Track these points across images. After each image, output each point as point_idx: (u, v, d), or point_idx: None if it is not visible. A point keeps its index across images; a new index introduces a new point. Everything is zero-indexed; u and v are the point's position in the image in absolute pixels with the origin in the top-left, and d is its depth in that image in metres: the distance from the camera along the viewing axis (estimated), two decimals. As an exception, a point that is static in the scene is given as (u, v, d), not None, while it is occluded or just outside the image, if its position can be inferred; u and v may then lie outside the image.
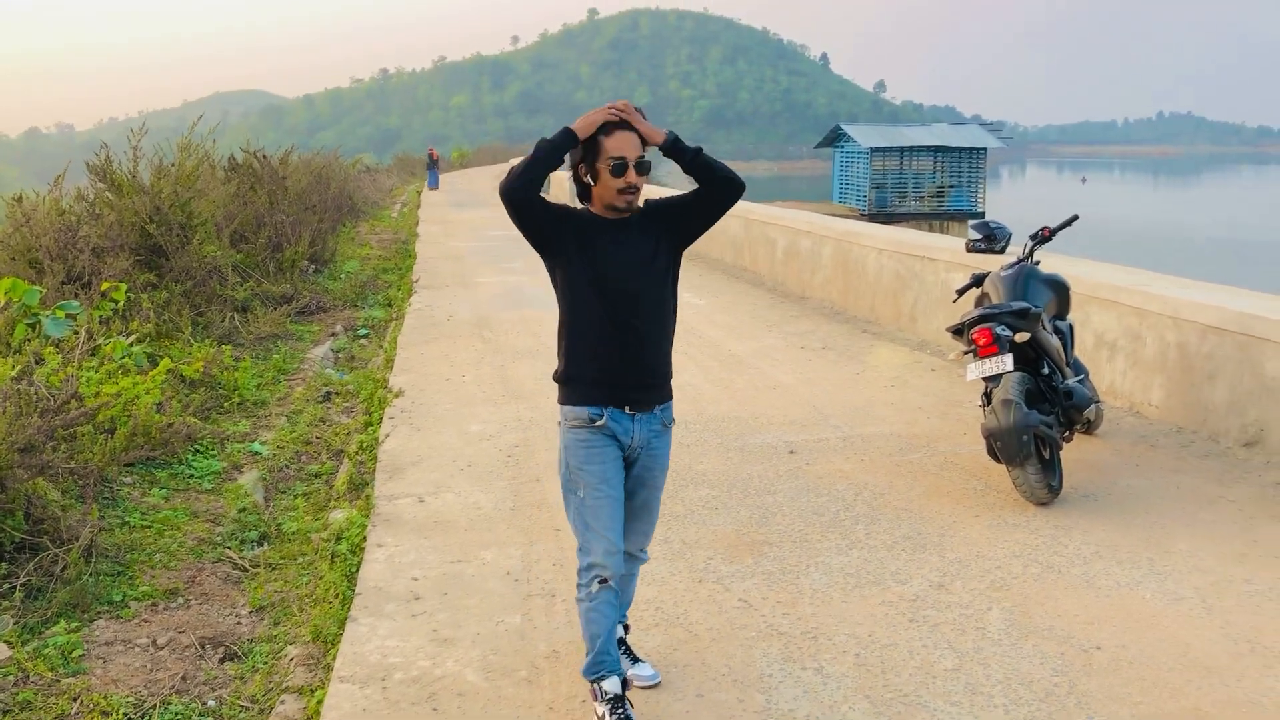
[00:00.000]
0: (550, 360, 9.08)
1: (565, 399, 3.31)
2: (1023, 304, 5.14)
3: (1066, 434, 5.38)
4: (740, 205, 16.16)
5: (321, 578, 4.58)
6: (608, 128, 3.14)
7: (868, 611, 4.02)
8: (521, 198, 3.12)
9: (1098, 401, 5.87)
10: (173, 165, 11.30)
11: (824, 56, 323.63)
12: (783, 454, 6.01)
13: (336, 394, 8.34)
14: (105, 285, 8.10)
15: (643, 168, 3.15)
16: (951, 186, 40.76)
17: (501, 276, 14.31)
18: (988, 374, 5.05)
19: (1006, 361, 4.97)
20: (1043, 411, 5.08)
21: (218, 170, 14.79)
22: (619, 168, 3.11)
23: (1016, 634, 3.81)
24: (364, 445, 6.54)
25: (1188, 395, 6.19)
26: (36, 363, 6.31)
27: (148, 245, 9.80)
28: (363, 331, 11.37)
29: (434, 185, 40.46)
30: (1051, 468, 5.08)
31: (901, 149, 40.46)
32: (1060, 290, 5.78)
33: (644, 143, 3.16)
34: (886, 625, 3.90)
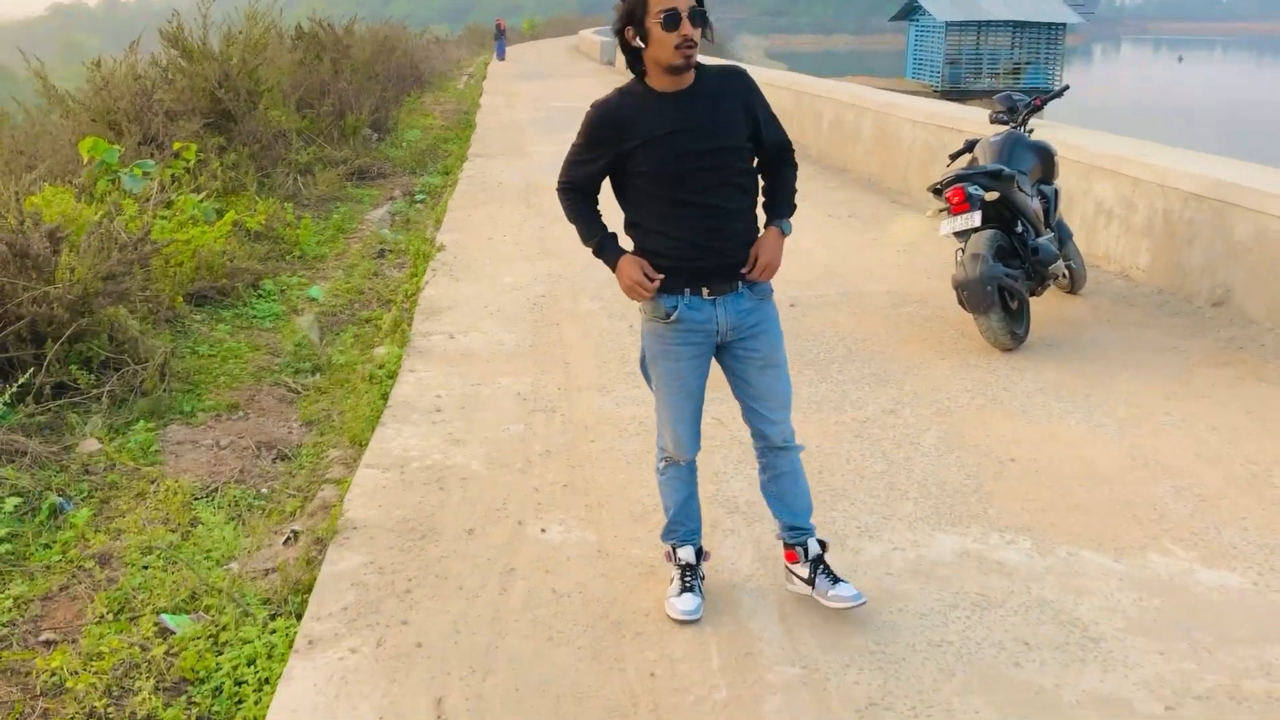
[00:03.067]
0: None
1: None
2: (996, 166, 5.56)
3: (1037, 288, 5.83)
4: (792, 78, 16.40)
5: (361, 396, 5.29)
6: None
7: (822, 430, 4.63)
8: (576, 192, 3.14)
9: (1070, 261, 6.28)
10: (240, 33, 11.89)
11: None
12: (784, 307, 6.45)
13: (390, 251, 9.01)
14: (177, 145, 8.80)
15: (697, 18, 2.84)
16: (1028, 63, 39.83)
17: (556, 146, 14.74)
18: (958, 229, 5.51)
19: (975, 218, 5.43)
20: (1012, 267, 5.54)
21: (285, 39, 15.37)
22: (670, 19, 2.81)
23: (944, 449, 4.40)
24: (408, 293, 7.22)
25: (1169, 259, 6.58)
26: (115, 212, 7.05)
27: (217, 110, 10.45)
28: (419, 196, 11.98)
29: (501, 57, 40.59)
30: (1018, 318, 5.57)
31: (978, 23, 39.51)
32: (1045, 156, 6.16)
33: None
34: (834, 439, 4.52)
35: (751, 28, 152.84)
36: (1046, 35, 39.42)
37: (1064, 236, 6.26)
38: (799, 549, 3.24)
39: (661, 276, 3.01)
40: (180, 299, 6.49)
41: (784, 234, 3.10)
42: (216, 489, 4.50)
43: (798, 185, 3.21)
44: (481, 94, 24.57)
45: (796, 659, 3.00)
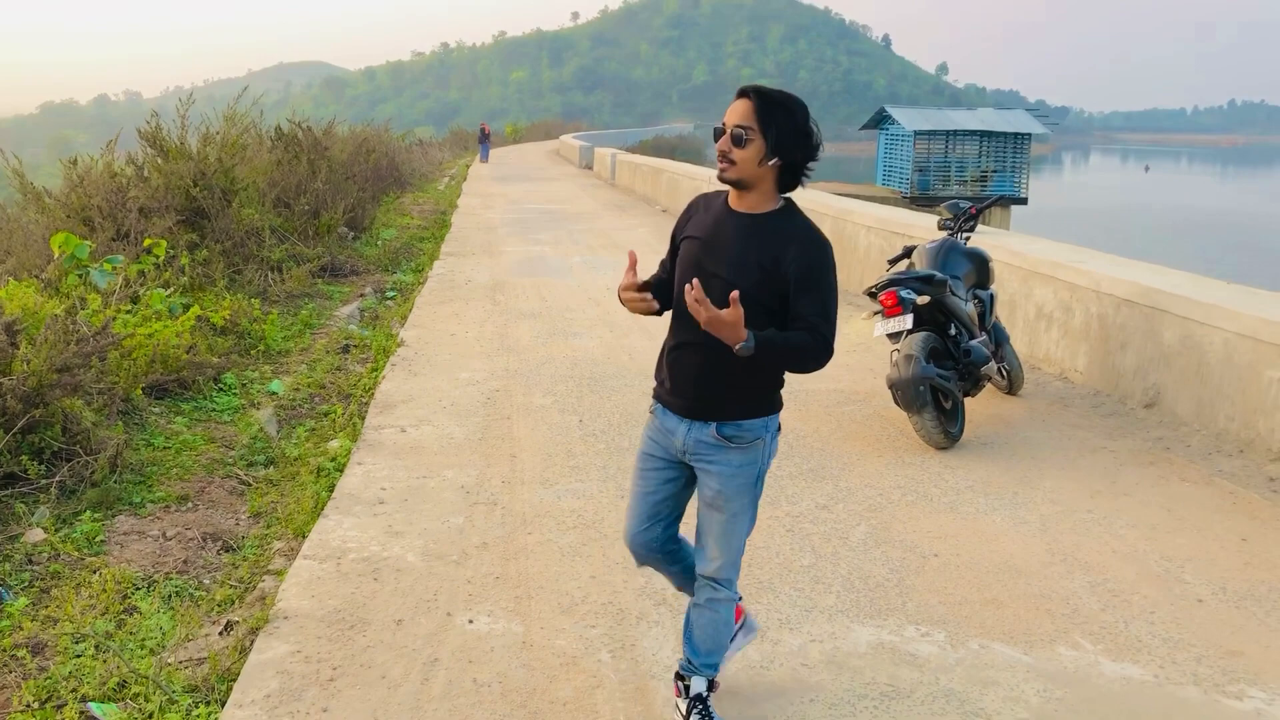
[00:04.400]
0: (553, 321, 9.81)
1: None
2: (929, 271, 5.80)
3: (971, 389, 6.02)
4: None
5: (306, 488, 5.38)
6: (736, 94, 2.94)
7: (756, 525, 4.72)
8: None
9: (1006, 362, 6.49)
10: (218, 134, 12.21)
11: (886, 38, 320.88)
12: (732, 404, 6.70)
13: (355, 347, 9.15)
14: (148, 241, 8.99)
15: (737, 139, 2.83)
16: (995, 171, 40.87)
17: (527, 247, 15.07)
18: (890, 331, 5.72)
19: (907, 321, 5.63)
20: (945, 368, 5.73)
21: (265, 140, 15.74)
22: (716, 132, 2.90)
23: (872, 543, 4.51)
24: (366, 388, 7.35)
25: (1105, 362, 6.80)
26: (80, 306, 7.19)
27: (192, 207, 10.67)
28: (390, 294, 12.18)
29: (485, 159, 41.62)
30: (952, 417, 5.74)
31: (946, 133, 40.62)
32: (980, 262, 6.41)
33: (760, 118, 2.84)
34: (767, 534, 4.62)
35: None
36: (1012, 145, 40.54)
37: (1000, 339, 6.48)
38: (681, 683, 3.15)
39: (648, 298, 2.97)
40: (139, 391, 6.59)
41: (747, 342, 2.74)
42: (157, 579, 4.56)
43: (796, 364, 2.92)
44: (460, 195, 25.03)
45: (706, 748, 3.07)
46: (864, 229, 10.95)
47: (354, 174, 17.87)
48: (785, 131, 2.84)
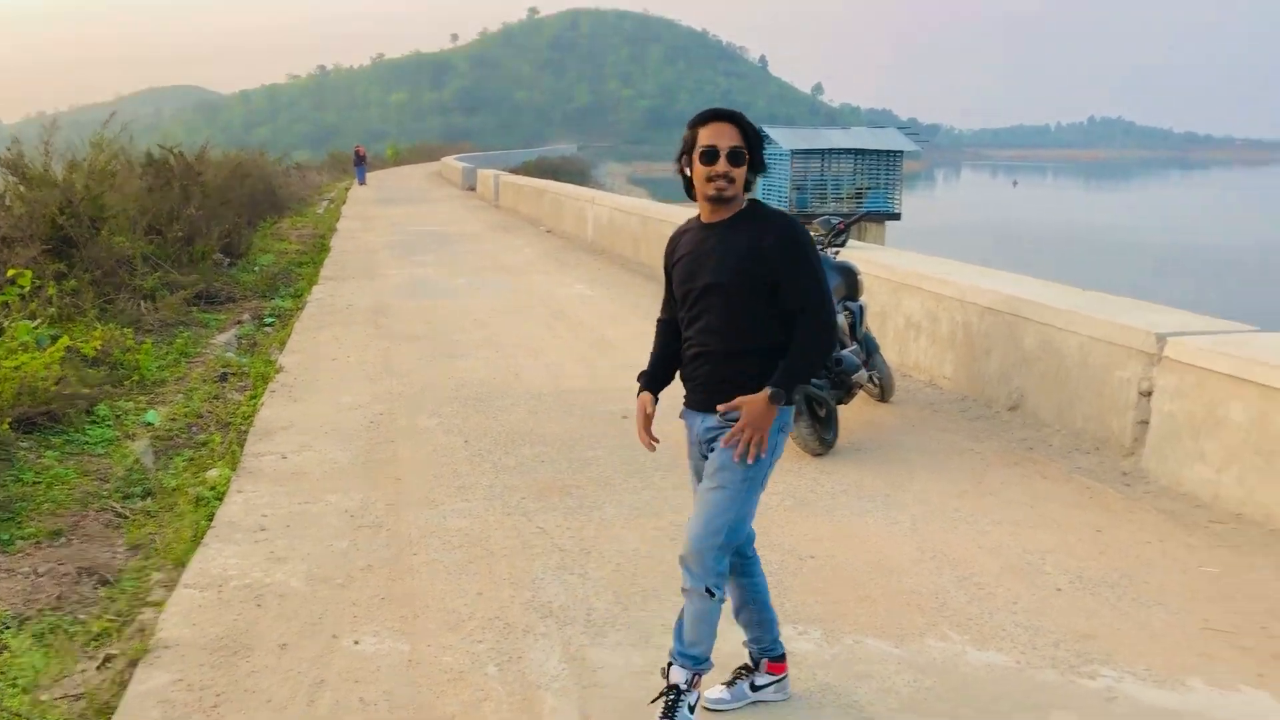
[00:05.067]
0: (438, 343, 9.77)
1: None
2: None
3: (844, 397, 6.24)
4: (639, 204, 17.01)
5: (185, 518, 5.29)
6: (704, 118, 3.16)
7: (640, 534, 4.84)
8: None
9: (876, 371, 6.75)
10: (85, 160, 11.86)
11: (763, 59, 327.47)
12: (618, 419, 6.82)
13: (233, 374, 8.98)
14: (11, 272, 8.69)
15: (736, 157, 3.07)
16: (870, 188, 42.03)
17: (410, 269, 14.97)
18: (765, 343, 5.89)
19: (781, 332, 5.82)
20: (818, 377, 5.93)
21: (135, 166, 15.31)
22: (709, 154, 3.07)
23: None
24: (245, 415, 7.24)
25: (971, 368, 7.11)
26: (-61, 340, 6.92)
27: (58, 236, 10.34)
28: (269, 320, 11.97)
29: (362, 181, 41.01)
30: (826, 424, 5.94)
31: (822, 151, 41.65)
32: (849, 275, 6.66)
33: (745, 136, 3.11)
34: (651, 543, 4.73)
35: (616, 155, 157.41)
36: (885, 162, 41.78)
37: (871, 349, 6.73)
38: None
39: (656, 441, 3.45)
40: (5, 425, 6.37)
41: (772, 402, 3.05)
42: (29, 616, 4.43)
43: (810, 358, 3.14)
44: (340, 218, 24.70)
45: (592, 752, 3.14)
46: (742, 246, 11.20)
47: (229, 199, 17.52)
48: (759, 148, 3.16)
